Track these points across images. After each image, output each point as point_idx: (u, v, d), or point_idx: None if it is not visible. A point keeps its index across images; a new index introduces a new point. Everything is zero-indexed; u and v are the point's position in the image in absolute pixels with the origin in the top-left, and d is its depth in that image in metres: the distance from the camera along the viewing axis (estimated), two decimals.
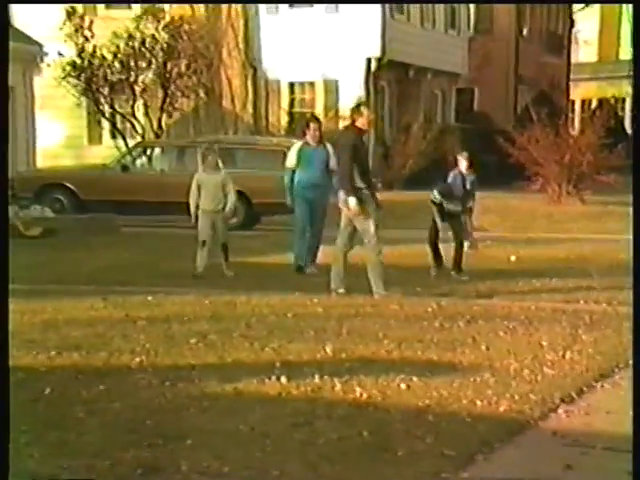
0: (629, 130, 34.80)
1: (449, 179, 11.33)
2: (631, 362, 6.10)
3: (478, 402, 5.37)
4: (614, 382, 5.92)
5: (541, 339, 6.97)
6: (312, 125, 10.59)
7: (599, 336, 7.11)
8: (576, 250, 12.92)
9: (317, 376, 5.72)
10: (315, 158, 10.45)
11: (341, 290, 8.95)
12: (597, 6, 41.34)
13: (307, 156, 10.44)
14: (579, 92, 37.69)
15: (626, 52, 40.24)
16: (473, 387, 5.66)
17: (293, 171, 10.54)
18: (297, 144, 10.72)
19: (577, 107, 38.48)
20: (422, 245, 11.10)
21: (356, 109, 9.37)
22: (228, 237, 10.43)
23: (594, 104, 37.14)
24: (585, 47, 40.83)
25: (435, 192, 10.69)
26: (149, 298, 8.42)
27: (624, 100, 38.35)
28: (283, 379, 5.65)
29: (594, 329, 7.36)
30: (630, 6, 37.40)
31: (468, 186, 11.21)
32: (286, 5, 23.24)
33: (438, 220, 10.61)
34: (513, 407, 5.31)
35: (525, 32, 30.38)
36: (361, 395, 5.46)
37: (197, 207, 10.19)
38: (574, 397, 5.55)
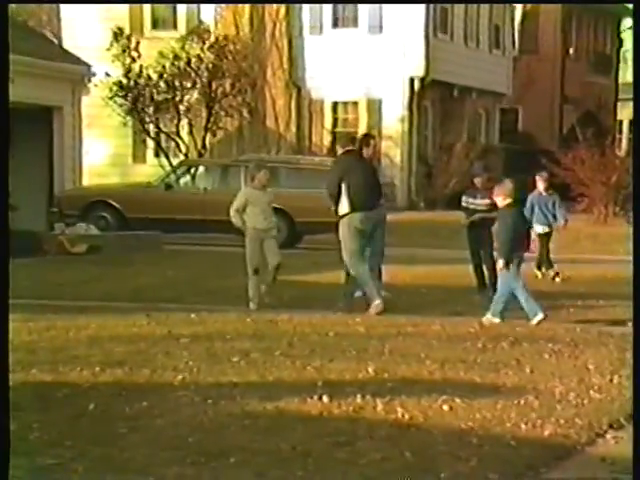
0: None
1: (527, 203, 11.24)
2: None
3: (522, 425, 5.29)
4: None
5: (587, 362, 6.86)
6: (371, 141, 10.29)
7: None
8: (622, 272, 12.72)
9: (359, 396, 5.69)
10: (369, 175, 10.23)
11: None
12: None
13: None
14: (627, 112, 37.27)
15: None
16: (517, 410, 5.58)
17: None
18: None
19: (625, 127, 38.05)
20: (464, 265, 11.01)
21: (364, 139, 9.59)
22: (281, 256, 9.70)
23: None
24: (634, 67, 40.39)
25: (464, 197, 10.63)
26: (192, 315, 8.45)
27: None
28: (325, 398, 5.63)
29: None
30: None
31: (550, 207, 11.23)
32: (330, 25, 23.35)
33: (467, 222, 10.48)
34: (558, 431, 5.22)
35: (571, 52, 30.16)
36: (403, 416, 5.41)
37: (244, 223, 9.46)
38: (623, 423, 5.44)
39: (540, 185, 11.46)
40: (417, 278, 11.11)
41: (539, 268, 11.74)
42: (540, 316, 8.49)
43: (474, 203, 10.43)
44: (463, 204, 10.58)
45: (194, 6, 23.47)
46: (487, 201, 10.30)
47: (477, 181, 10.60)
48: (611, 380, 6.35)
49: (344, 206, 9.01)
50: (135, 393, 5.71)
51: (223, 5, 23.26)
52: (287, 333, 7.77)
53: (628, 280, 11.95)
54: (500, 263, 8.60)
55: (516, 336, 7.78)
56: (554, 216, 11.64)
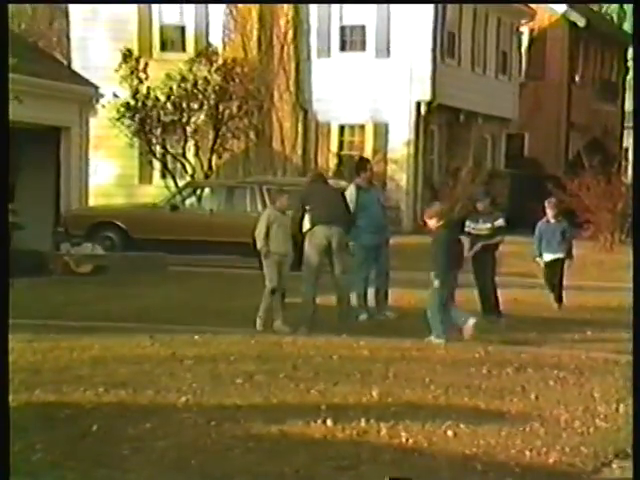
0: None
1: (536, 230, 11.23)
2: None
3: (527, 452, 5.26)
4: None
5: (593, 390, 6.82)
6: (363, 166, 10.51)
7: None
8: (628, 300, 12.68)
9: (363, 420, 5.67)
10: (373, 200, 10.34)
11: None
12: None
13: (365, 198, 10.26)
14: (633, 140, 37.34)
15: None
16: (522, 437, 5.54)
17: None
18: (351, 186, 10.45)
19: (631, 155, 38.09)
20: (470, 289, 10.99)
21: (359, 163, 9.89)
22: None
23: None
24: None
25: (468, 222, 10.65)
26: (196, 337, 8.44)
27: None
28: (329, 422, 5.61)
29: None
30: None
31: (558, 235, 11.11)
32: (337, 49, 23.47)
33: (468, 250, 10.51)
34: (564, 459, 5.19)
35: (577, 79, 30.26)
36: (407, 440, 5.39)
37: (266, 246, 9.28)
38: (628, 452, 5.40)
39: (549, 212, 11.34)
40: (422, 302, 11.05)
41: (559, 300, 11.35)
42: (440, 340, 8.61)
43: (477, 228, 10.48)
44: (466, 229, 10.62)
45: (202, 28, 23.62)
46: (489, 225, 10.36)
47: (479, 206, 10.66)
48: (617, 409, 6.31)
49: (306, 224, 9.41)
50: (138, 414, 5.69)
51: (232, 27, 23.41)
52: (291, 355, 7.76)
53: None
54: (435, 282, 8.79)
55: (521, 362, 7.75)
56: (565, 244, 11.41)
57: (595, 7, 35.95)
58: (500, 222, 10.61)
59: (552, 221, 11.27)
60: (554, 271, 11.32)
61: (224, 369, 7.14)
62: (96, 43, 23.67)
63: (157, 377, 6.78)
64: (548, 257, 11.32)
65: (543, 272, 11.36)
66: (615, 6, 37.78)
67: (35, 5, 29.12)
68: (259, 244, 9.48)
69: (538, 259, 11.33)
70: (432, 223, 8.97)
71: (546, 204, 11.41)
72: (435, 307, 8.88)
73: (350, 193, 10.36)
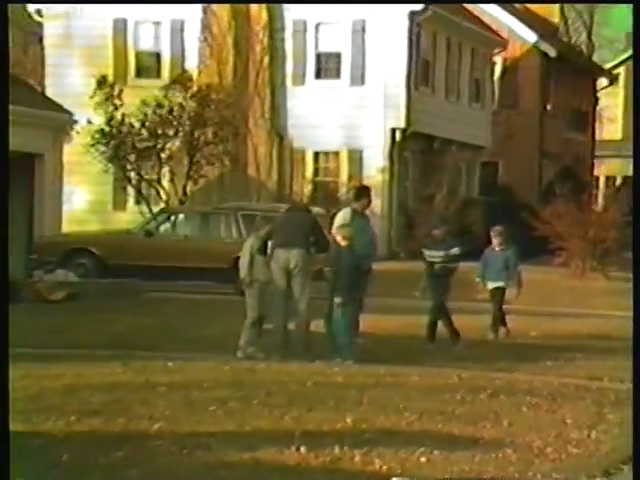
0: None
1: (482, 257, 11.31)
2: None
3: (500, 479, 5.27)
4: None
5: (565, 416, 6.86)
6: (364, 193, 10.41)
7: (625, 416, 6.98)
8: (599, 326, 12.79)
9: (337, 447, 5.66)
10: (365, 227, 10.34)
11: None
12: (621, 85, 41.72)
13: (359, 225, 10.19)
14: (603, 169, 37.81)
15: None
16: (495, 463, 5.56)
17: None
18: (347, 210, 10.36)
19: (601, 184, 38.53)
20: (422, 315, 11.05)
21: (361, 190, 10.19)
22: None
23: (618, 181, 37.21)
24: (609, 125, 41.08)
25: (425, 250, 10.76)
26: (169, 364, 8.40)
27: None
28: (302, 449, 5.59)
29: (620, 409, 7.23)
30: None
31: (500, 264, 11.13)
32: (312, 76, 23.62)
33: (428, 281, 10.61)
34: None
35: (549, 108, 30.61)
36: (381, 467, 5.38)
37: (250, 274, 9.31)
38: (600, 479, 5.43)
39: (494, 240, 11.36)
40: (397, 328, 11.13)
41: (494, 327, 11.26)
42: (349, 361, 8.71)
43: (432, 255, 10.61)
44: (424, 256, 10.75)
45: (178, 55, 23.67)
46: (442, 253, 10.48)
47: (436, 233, 10.79)
48: (589, 435, 6.35)
49: (269, 247, 9.51)
50: (110, 443, 5.64)
51: (207, 54, 23.49)
52: (265, 382, 7.74)
53: (605, 334, 12.03)
54: (337, 301, 8.95)
55: (495, 388, 7.77)
56: (509, 273, 11.22)
57: (565, 38, 36.49)
58: (455, 250, 10.69)
59: (497, 249, 11.29)
60: (493, 297, 11.25)
61: (197, 396, 7.10)
62: (70, 69, 23.65)
63: (130, 405, 6.73)
64: (490, 284, 11.28)
65: (490, 299, 11.31)
66: (584, 37, 38.36)
67: (9, 31, 29.02)
68: (242, 273, 9.46)
69: (478, 280, 11.31)
70: (339, 240, 9.26)
71: (491, 233, 11.45)
72: (342, 328, 8.94)
73: (344, 217, 10.29)
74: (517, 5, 31.88)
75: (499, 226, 11.65)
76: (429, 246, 10.78)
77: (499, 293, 11.27)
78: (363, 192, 10.62)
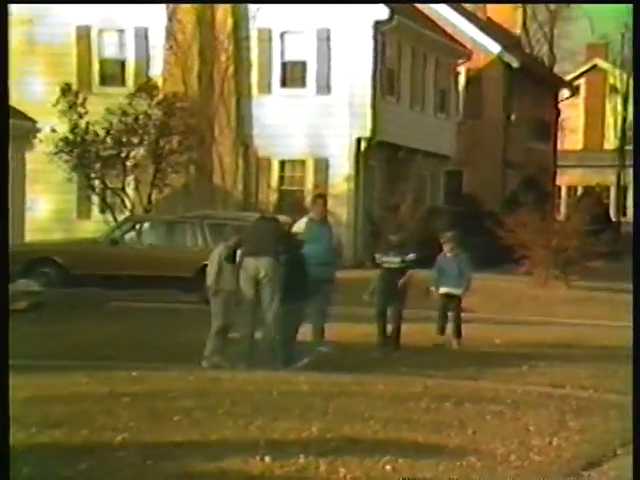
0: (614, 218, 35.27)
1: (435, 264, 11.36)
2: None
3: None
4: (602, 471, 5.86)
5: (528, 424, 6.93)
6: (318, 201, 10.65)
7: (586, 423, 7.06)
8: (562, 334, 12.92)
9: (302, 456, 5.66)
10: (322, 235, 10.45)
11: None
12: (582, 96, 42.31)
13: (314, 233, 10.40)
14: (565, 179, 38.29)
15: (610, 142, 41.14)
16: (459, 471, 5.60)
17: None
18: (302, 220, 10.63)
19: (563, 193, 39.01)
20: (411, 324, 11.09)
21: (314, 198, 10.22)
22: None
23: (580, 191, 37.71)
24: (571, 135, 41.64)
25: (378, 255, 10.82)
26: (134, 374, 8.35)
27: (609, 188, 38.96)
28: (267, 458, 5.59)
29: (581, 416, 7.32)
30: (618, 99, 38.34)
31: (454, 269, 11.18)
32: (278, 85, 23.64)
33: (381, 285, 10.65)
34: None
35: (513, 118, 30.93)
36: (345, 476, 5.40)
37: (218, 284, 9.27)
38: None
39: (445, 247, 11.43)
40: (363, 336, 11.15)
41: (458, 334, 11.21)
42: (286, 368, 8.85)
43: (388, 261, 10.65)
44: (377, 262, 10.81)
45: (143, 62, 23.59)
46: (398, 259, 10.54)
47: (393, 238, 10.85)
48: (550, 442, 6.41)
49: (239, 256, 9.52)
50: (73, 455, 5.59)
51: (172, 62, 23.42)
52: (230, 391, 7.72)
53: (567, 342, 12.15)
54: (277, 312, 9.12)
55: (459, 396, 7.82)
56: (462, 279, 11.23)
57: (527, 49, 36.91)
58: (411, 256, 10.72)
59: (449, 255, 11.34)
60: (448, 304, 11.21)
61: (162, 406, 7.07)
62: (34, 77, 23.46)
63: (93, 416, 6.68)
64: (443, 290, 11.25)
65: (438, 304, 11.24)
66: (546, 49, 38.85)
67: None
68: (209, 282, 9.44)
69: (432, 289, 11.34)
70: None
71: (442, 239, 11.51)
72: (281, 337, 9.06)
73: (299, 226, 10.45)
74: (479, 16, 32.20)
75: (449, 232, 11.73)
76: (385, 251, 10.81)
77: (454, 299, 11.27)
78: (318, 200, 10.71)
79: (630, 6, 33.13)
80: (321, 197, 11.18)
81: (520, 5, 33.27)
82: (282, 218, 12.83)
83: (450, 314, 11.33)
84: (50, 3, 23.09)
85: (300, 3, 22.71)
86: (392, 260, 10.65)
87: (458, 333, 11.29)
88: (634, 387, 6.06)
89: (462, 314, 11.57)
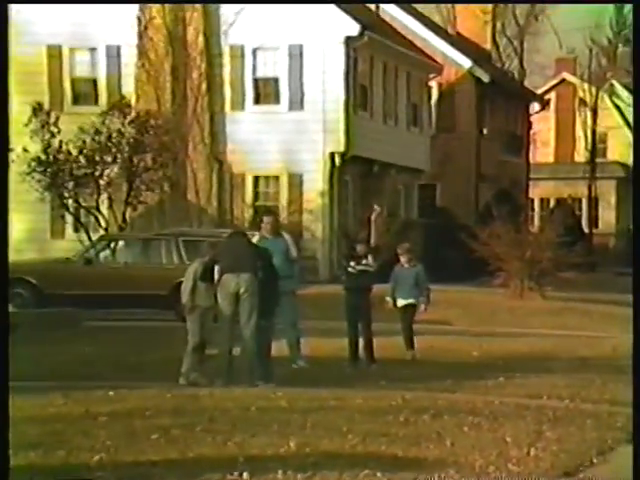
0: (586, 229, 35.59)
1: (392, 275, 11.31)
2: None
3: None
4: None
5: (505, 435, 6.95)
6: (265, 219, 10.78)
7: (563, 433, 7.10)
8: (538, 345, 13.00)
9: (280, 471, 5.64)
10: (275, 249, 10.50)
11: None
12: (552, 109, 42.74)
13: (268, 248, 10.47)
14: (537, 191, 38.62)
15: (580, 155, 41.59)
16: None
17: None
18: (254, 237, 10.75)
19: (536, 205, 39.32)
20: (387, 337, 11.10)
21: (262, 214, 10.34)
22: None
23: (552, 203, 38.03)
24: (542, 148, 42.03)
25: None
26: (110, 393, 8.29)
27: (580, 200, 39.34)
28: (245, 474, 5.57)
29: (558, 426, 7.36)
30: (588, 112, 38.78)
31: (410, 281, 11.15)
32: (251, 101, 23.69)
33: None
34: None
35: (485, 132, 31.17)
36: None
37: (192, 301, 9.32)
38: None
39: (402, 258, 11.40)
40: (340, 350, 11.15)
41: (410, 345, 11.12)
42: (270, 384, 8.85)
43: (352, 266, 10.67)
44: (344, 265, 10.85)
45: (115, 81, 23.55)
46: (362, 268, 10.56)
47: (359, 249, 10.89)
48: (528, 453, 6.44)
49: (216, 274, 9.50)
50: (49, 477, 5.54)
51: (144, 79, 23.41)
52: (208, 408, 7.69)
53: (542, 352, 12.22)
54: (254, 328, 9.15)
55: (437, 409, 7.84)
56: (419, 290, 11.19)
57: (498, 64, 37.25)
58: (369, 261, 10.68)
59: (406, 266, 11.32)
60: (403, 315, 11.18)
61: (139, 425, 7.03)
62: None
63: (70, 436, 6.63)
64: (401, 302, 11.21)
65: (399, 317, 11.17)
66: (516, 63, 39.25)
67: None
68: (185, 299, 9.42)
69: (388, 299, 11.31)
70: None
71: (398, 250, 11.52)
72: (256, 352, 9.14)
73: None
74: (449, 30, 32.47)
75: (406, 243, 11.75)
76: (353, 260, 10.83)
77: (410, 311, 11.20)
78: (266, 217, 10.81)
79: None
80: (269, 213, 11.29)
81: (489, 19, 33.56)
82: (256, 234, 12.86)
83: (402, 325, 11.20)
84: (49, 3, 22.96)
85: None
86: (355, 267, 10.67)
87: (411, 344, 11.16)
88: (634, 393, 6.06)
89: (439, 326, 11.61)
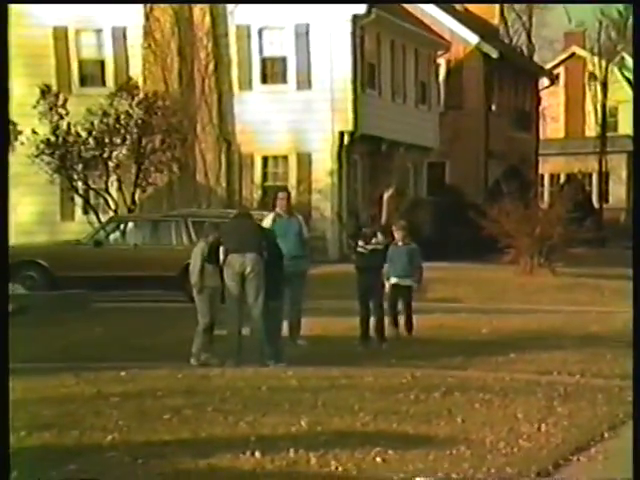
0: (596, 205, 35.45)
1: (387, 255, 11.21)
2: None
3: (454, 475, 5.34)
4: (590, 456, 5.90)
5: (516, 411, 6.96)
6: (280, 194, 10.73)
7: (574, 408, 7.11)
8: (548, 321, 12.99)
9: (292, 450, 5.67)
10: (290, 229, 10.51)
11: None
12: (561, 84, 42.46)
13: (281, 227, 10.48)
14: (547, 167, 38.43)
15: (591, 129, 41.33)
16: (449, 460, 5.62)
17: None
18: (270, 215, 10.73)
19: (546, 181, 39.15)
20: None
21: (276, 193, 10.48)
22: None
23: (562, 178, 37.85)
24: (552, 124, 41.78)
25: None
26: (122, 374, 8.33)
27: (591, 175, 39.14)
28: (257, 454, 5.59)
29: (569, 401, 7.37)
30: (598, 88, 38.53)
31: (404, 259, 11.07)
32: (259, 81, 23.61)
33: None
34: None
35: (494, 108, 31.00)
36: (337, 469, 5.41)
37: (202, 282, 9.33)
38: (550, 470, 5.53)
39: (396, 235, 11.26)
40: (350, 330, 11.16)
41: (409, 325, 10.99)
42: (281, 364, 8.89)
43: (361, 246, 10.63)
44: (352, 246, 10.81)
45: (122, 62, 23.49)
46: (370, 246, 10.52)
47: (368, 229, 10.85)
48: (539, 428, 6.45)
49: (222, 255, 9.47)
50: (63, 456, 5.58)
51: (152, 60, 23.34)
52: (220, 388, 7.72)
53: (553, 328, 12.22)
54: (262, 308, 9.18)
55: (448, 386, 7.85)
56: (413, 269, 11.04)
57: (506, 39, 37.00)
58: (378, 239, 10.60)
59: (400, 244, 11.22)
60: (398, 295, 11.03)
61: (151, 405, 7.06)
62: (13, 79, 23.31)
63: (82, 417, 6.67)
64: (394, 280, 11.05)
65: (388, 294, 11.00)
66: (524, 38, 39.01)
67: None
68: (194, 279, 9.44)
69: (386, 281, 11.17)
70: None
71: (393, 227, 11.42)
72: (265, 332, 9.17)
73: (267, 222, 10.47)
74: (457, 7, 32.24)
75: (402, 221, 11.68)
76: (362, 239, 10.76)
77: (405, 289, 11.10)
78: (281, 194, 10.76)
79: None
80: (284, 191, 11.23)
81: None
82: (265, 214, 12.86)
83: (400, 305, 11.10)
84: (48, 3, 22.91)
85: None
86: (363, 246, 10.65)
87: (409, 324, 11.09)
88: (634, 377, 6.07)
89: (449, 304, 11.59)
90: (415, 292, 11.36)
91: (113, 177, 21.46)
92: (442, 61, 29.71)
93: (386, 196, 23.27)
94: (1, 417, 4.07)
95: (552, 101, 40.64)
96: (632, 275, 10.76)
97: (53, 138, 20.83)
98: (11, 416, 6.63)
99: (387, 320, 10.89)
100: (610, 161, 38.86)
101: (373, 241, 10.63)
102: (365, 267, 10.64)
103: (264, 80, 23.59)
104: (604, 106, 38.89)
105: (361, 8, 23.02)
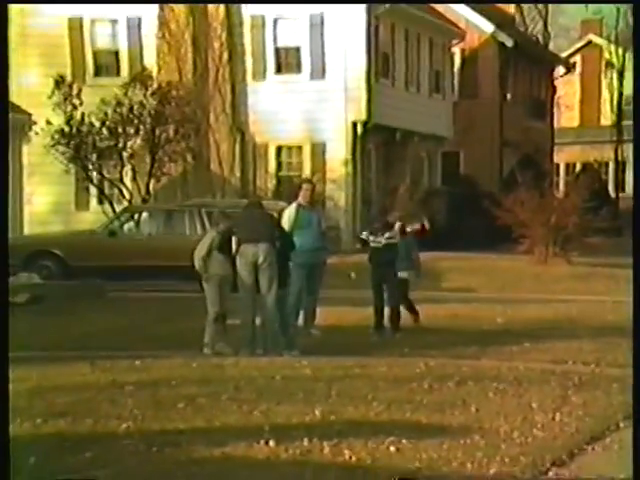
0: (613, 194, 35.26)
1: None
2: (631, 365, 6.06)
3: (468, 465, 5.34)
4: (605, 445, 5.89)
5: (531, 400, 6.95)
6: (305, 185, 10.69)
7: (589, 398, 7.08)
8: (563, 311, 12.95)
9: (306, 439, 5.68)
10: (312, 220, 10.47)
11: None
12: (577, 72, 42.18)
13: (304, 218, 10.44)
14: (563, 156, 38.23)
15: (607, 118, 41.06)
16: (463, 449, 5.62)
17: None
18: (292, 205, 10.69)
19: (561, 170, 38.94)
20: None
21: (300, 183, 10.51)
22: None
23: (578, 167, 37.64)
24: (567, 112, 41.53)
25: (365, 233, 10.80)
26: (137, 362, 8.37)
27: (607, 164, 38.91)
28: (271, 443, 5.61)
29: (583, 390, 7.35)
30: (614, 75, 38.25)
31: (402, 250, 11.05)
32: (273, 71, 23.59)
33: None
34: (503, 470, 5.28)
35: (509, 97, 30.85)
36: (350, 458, 5.42)
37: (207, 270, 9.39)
38: (565, 460, 5.52)
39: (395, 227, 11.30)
40: (364, 319, 11.17)
41: (414, 313, 11.01)
42: (295, 353, 8.89)
43: (373, 240, 10.62)
44: (365, 239, 10.79)
45: (136, 52, 23.51)
46: (382, 239, 10.48)
47: (377, 223, 10.83)
48: (553, 418, 6.43)
49: (234, 244, 9.51)
50: (78, 444, 5.61)
51: (166, 50, 23.36)
52: (234, 377, 7.74)
53: (568, 318, 12.18)
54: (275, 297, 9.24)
55: (462, 376, 7.84)
56: (410, 261, 11.07)
57: (522, 27, 36.76)
58: (392, 233, 10.61)
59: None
60: (400, 287, 11.00)
61: (166, 394, 7.09)
62: (28, 69, 23.38)
63: (97, 405, 6.70)
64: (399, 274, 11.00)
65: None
66: (540, 26, 38.73)
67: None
68: (197, 264, 9.47)
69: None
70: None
71: (389, 219, 11.41)
72: (279, 321, 9.20)
73: (289, 212, 10.47)
74: None
75: (396, 212, 11.67)
76: (375, 233, 10.76)
77: (404, 281, 11.10)
78: (305, 185, 10.74)
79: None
80: (308, 182, 11.20)
81: None
82: (280, 204, 12.85)
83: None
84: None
85: (293, 3, 22.62)
86: (377, 240, 10.65)
87: (414, 312, 11.13)
88: (634, 368, 6.06)
89: (463, 294, 11.57)
90: (414, 284, 11.37)
91: (127, 167, 21.52)
92: (457, 50, 29.57)
93: (401, 190, 23.24)
94: (1, 408, 4.08)
95: (568, 90, 40.39)
96: (632, 264, 10.67)
97: (67, 128, 20.88)
98: (27, 404, 6.69)
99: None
100: (627, 150, 38.61)
101: (386, 235, 10.61)
102: (379, 261, 10.63)
103: (278, 70, 23.56)
104: (620, 94, 38.59)
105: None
